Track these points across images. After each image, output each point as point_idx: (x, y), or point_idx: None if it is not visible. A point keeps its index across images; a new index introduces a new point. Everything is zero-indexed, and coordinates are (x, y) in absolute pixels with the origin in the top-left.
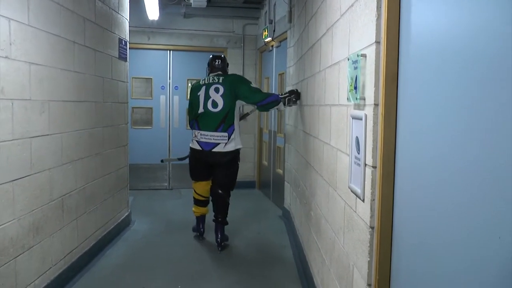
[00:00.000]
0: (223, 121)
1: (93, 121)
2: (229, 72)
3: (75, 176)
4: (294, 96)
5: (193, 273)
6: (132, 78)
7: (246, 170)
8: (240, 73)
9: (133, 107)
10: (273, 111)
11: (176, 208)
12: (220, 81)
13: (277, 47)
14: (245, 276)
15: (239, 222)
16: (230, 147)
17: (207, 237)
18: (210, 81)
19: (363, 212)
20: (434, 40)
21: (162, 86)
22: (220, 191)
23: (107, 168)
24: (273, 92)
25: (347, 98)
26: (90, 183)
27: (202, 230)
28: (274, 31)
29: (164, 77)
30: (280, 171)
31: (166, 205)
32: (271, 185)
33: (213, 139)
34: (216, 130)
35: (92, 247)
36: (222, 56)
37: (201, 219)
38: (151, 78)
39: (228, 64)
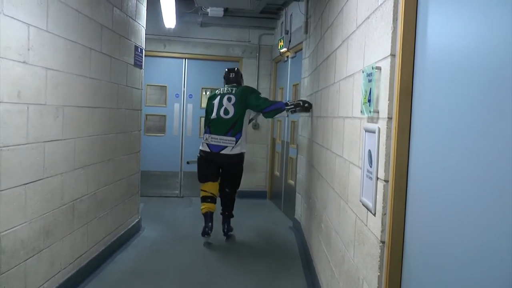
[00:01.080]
0: (233, 127)
1: (107, 127)
2: (244, 82)
3: (87, 181)
4: (300, 109)
5: (201, 281)
6: (147, 85)
7: (257, 180)
8: (255, 83)
9: (146, 114)
10: (286, 122)
11: (186, 216)
12: (233, 91)
13: (292, 57)
14: (253, 286)
15: (249, 231)
16: (237, 150)
17: (214, 240)
18: (225, 91)
19: (374, 226)
20: (450, 54)
21: (177, 94)
22: (227, 190)
23: (118, 174)
24: (285, 100)
25: (361, 111)
26: (101, 189)
27: (210, 225)
28: (290, 41)
29: (179, 85)
30: (291, 182)
31: (177, 213)
32: (282, 196)
33: (222, 142)
34: (225, 135)
35: (102, 252)
36: (236, 69)
37: (209, 215)
38: (166, 86)
39: (242, 75)
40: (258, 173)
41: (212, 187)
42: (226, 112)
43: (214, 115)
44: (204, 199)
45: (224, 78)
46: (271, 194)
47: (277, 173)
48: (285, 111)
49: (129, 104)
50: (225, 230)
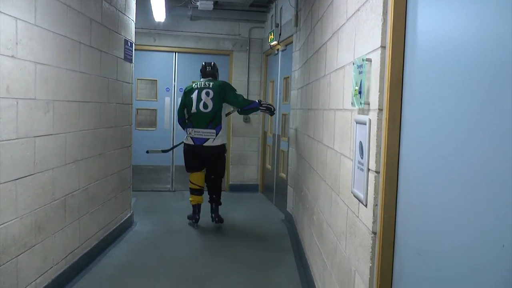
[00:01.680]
0: (212, 120)
1: (97, 121)
2: (232, 77)
3: (78, 176)
4: (269, 113)
5: (194, 275)
6: (137, 79)
7: (249, 173)
8: (245, 77)
9: (137, 109)
10: (277, 115)
11: (178, 210)
12: (211, 86)
13: (282, 50)
14: (247, 279)
15: (241, 225)
16: (218, 142)
17: (206, 234)
18: (202, 85)
19: (366, 218)
20: (440, 45)
21: (167, 88)
22: (213, 177)
23: (110, 168)
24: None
25: (352, 103)
26: (93, 184)
27: (197, 217)
28: (280, 34)
29: (169, 79)
30: (283, 175)
31: (169, 207)
32: (274, 189)
33: (204, 135)
34: (206, 128)
35: (94, 247)
36: (213, 63)
37: (197, 207)
38: (156, 80)
39: (218, 69)
40: (249, 167)
41: (198, 179)
42: (205, 106)
43: (194, 109)
44: (192, 192)
45: (201, 71)
46: (262, 187)
47: (268, 166)
48: (259, 110)
49: (119, 98)
50: (213, 216)
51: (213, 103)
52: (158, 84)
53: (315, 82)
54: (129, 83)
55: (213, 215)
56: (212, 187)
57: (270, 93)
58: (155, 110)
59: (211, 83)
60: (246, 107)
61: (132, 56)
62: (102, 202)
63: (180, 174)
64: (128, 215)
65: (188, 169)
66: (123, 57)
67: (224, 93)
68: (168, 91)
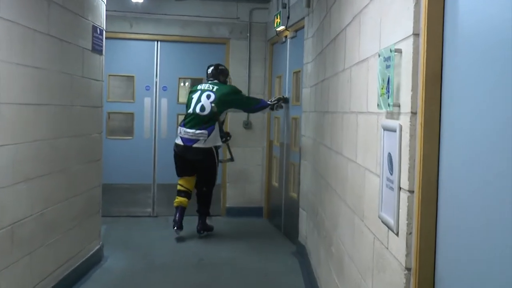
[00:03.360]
0: (207, 123)
1: (57, 129)
2: (231, 78)
3: (31, 198)
4: (282, 101)
5: None
6: (109, 75)
7: (251, 193)
8: (246, 71)
9: (109, 112)
10: (284, 119)
11: (161, 240)
12: (214, 89)
13: (291, 38)
14: None
15: (241, 260)
16: (209, 144)
17: (200, 271)
18: (205, 88)
19: (397, 249)
20: (491, 31)
21: (147, 86)
22: (204, 188)
23: (74, 188)
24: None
25: (378, 105)
26: (50, 208)
27: (177, 221)
28: (288, 17)
29: (150, 75)
30: (294, 195)
31: (149, 237)
32: (282, 213)
33: (195, 136)
34: (196, 129)
35: None
36: (216, 64)
37: (179, 210)
38: (133, 76)
39: (224, 71)
40: (251, 184)
41: (187, 182)
42: (202, 109)
43: (191, 110)
44: (178, 193)
45: (206, 72)
46: (268, 211)
47: (275, 183)
48: (267, 108)
49: (86, 100)
50: (198, 227)
51: (211, 107)
52: (135, 82)
53: (333, 78)
54: (98, 80)
55: (199, 223)
56: (199, 198)
57: (277, 91)
58: (132, 114)
59: (215, 87)
60: (254, 108)
61: (102, 46)
62: (62, 231)
63: (164, 195)
64: (97, 247)
65: (178, 173)
66: (90, 48)
67: (229, 99)
68: (148, 90)
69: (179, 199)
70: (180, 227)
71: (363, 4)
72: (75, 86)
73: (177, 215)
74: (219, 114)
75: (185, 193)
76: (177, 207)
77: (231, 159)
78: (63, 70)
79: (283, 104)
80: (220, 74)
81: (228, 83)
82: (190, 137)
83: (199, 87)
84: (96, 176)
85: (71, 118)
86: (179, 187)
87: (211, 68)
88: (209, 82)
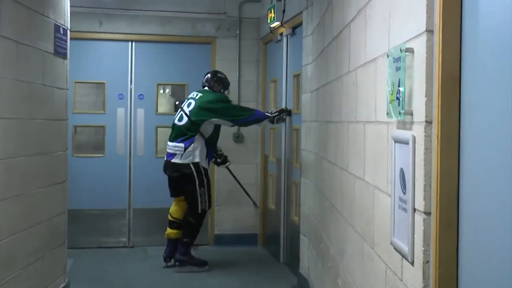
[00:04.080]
0: (185, 134)
1: (12, 146)
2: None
3: None
4: (285, 114)
5: None
6: (75, 83)
7: (244, 217)
8: (235, 74)
9: (76, 126)
10: (283, 130)
11: (139, 275)
12: (197, 96)
13: (288, 35)
14: None
15: None
16: (187, 159)
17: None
18: (191, 96)
19: (413, 281)
20: None
21: (120, 94)
22: (189, 217)
23: (34, 216)
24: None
25: (387, 113)
26: (6, 240)
27: (167, 251)
28: (284, 12)
29: (124, 82)
30: (295, 218)
31: (124, 272)
32: (281, 240)
33: (173, 149)
34: (175, 141)
35: None
36: (215, 71)
37: (168, 242)
38: (104, 83)
39: (221, 80)
40: (244, 207)
41: (174, 208)
42: (180, 118)
43: (174, 120)
44: (168, 223)
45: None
46: (264, 238)
47: (272, 206)
48: (265, 121)
49: (48, 112)
50: (169, 254)
51: (189, 115)
52: (106, 89)
53: (336, 81)
54: (62, 89)
55: (171, 251)
56: (184, 226)
57: (272, 98)
58: (103, 127)
59: (199, 94)
60: (246, 120)
61: (66, 48)
62: (21, 267)
63: (141, 221)
64: (62, 285)
65: (170, 194)
66: (52, 51)
67: (210, 105)
68: (121, 98)
69: (168, 231)
70: (166, 260)
71: None
72: (34, 95)
73: (166, 248)
74: (197, 125)
75: (175, 224)
76: (167, 240)
77: (254, 203)
78: (19, 78)
79: (285, 117)
80: (216, 83)
81: (230, 100)
82: (169, 151)
83: (189, 95)
84: (61, 201)
85: (30, 133)
86: (169, 217)
87: (208, 74)
88: (200, 90)
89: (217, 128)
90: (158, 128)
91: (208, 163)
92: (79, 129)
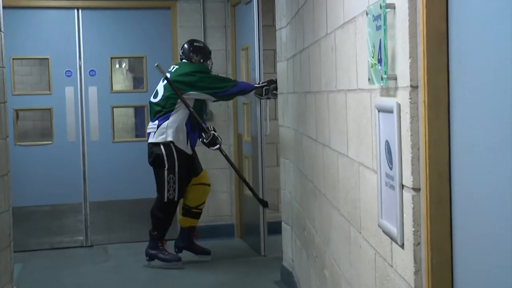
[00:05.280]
0: (160, 111)
1: None
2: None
3: None
4: (275, 87)
5: None
6: (13, 59)
7: (217, 206)
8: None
9: (17, 109)
10: (256, 104)
11: (99, 279)
12: (173, 69)
13: None
14: None
15: None
16: (159, 138)
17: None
18: (169, 69)
19: (404, 266)
20: None
21: (68, 71)
22: (154, 203)
23: None
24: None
25: (369, 79)
26: None
27: (177, 244)
28: None
29: (71, 56)
30: (276, 205)
31: (83, 275)
32: (261, 230)
33: (149, 129)
34: (152, 120)
35: None
36: (192, 40)
37: (181, 232)
38: (48, 59)
39: (198, 48)
40: (216, 195)
41: (185, 195)
42: (156, 94)
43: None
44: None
45: None
46: (241, 229)
47: (248, 192)
48: (252, 92)
49: None
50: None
51: (164, 90)
52: (51, 66)
53: (313, 46)
54: None
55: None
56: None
57: (243, 69)
58: (49, 110)
59: (175, 67)
60: (227, 91)
61: None
62: None
63: (99, 216)
64: None
65: None
66: None
67: (185, 78)
68: (69, 76)
69: (179, 218)
70: (176, 250)
71: None
72: None
73: (177, 237)
74: (173, 100)
75: (183, 210)
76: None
77: (262, 203)
78: None
79: (275, 92)
80: (193, 53)
81: (209, 71)
82: (148, 131)
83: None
84: (3, 197)
85: None
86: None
87: (185, 45)
88: (178, 63)
89: (198, 103)
90: (115, 109)
91: (190, 145)
92: (21, 114)
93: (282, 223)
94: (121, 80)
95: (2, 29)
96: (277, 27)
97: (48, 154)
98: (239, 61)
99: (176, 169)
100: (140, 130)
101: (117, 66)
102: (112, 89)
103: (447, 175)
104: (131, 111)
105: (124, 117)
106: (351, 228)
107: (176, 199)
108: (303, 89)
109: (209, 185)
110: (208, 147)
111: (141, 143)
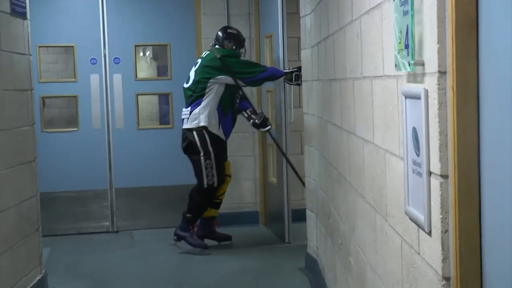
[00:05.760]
0: (191, 97)
1: None
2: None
3: None
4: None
5: None
6: (39, 47)
7: (241, 194)
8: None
9: (43, 97)
10: (282, 89)
11: (125, 264)
12: (204, 55)
13: None
14: None
15: (233, 284)
16: (192, 123)
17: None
18: (201, 55)
19: (431, 253)
20: None
21: (93, 59)
22: (194, 187)
23: None
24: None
25: (395, 65)
26: None
27: (198, 233)
28: None
29: (96, 44)
30: (299, 192)
31: (108, 260)
32: (285, 218)
33: (183, 115)
34: (186, 106)
35: None
36: (225, 27)
37: (201, 221)
38: (73, 47)
39: (230, 35)
40: (241, 182)
41: None
42: (188, 79)
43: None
44: None
45: None
46: (266, 216)
47: (273, 179)
48: (281, 79)
49: (8, 82)
50: (175, 230)
51: (195, 75)
52: (76, 54)
53: (338, 33)
54: (23, 54)
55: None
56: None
57: (267, 57)
58: (75, 97)
59: (207, 53)
60: (256, 77)
61: (25, 7)
62: None
63: (126, 202)
64: (38, 278)
65: None
66: (9, 10)
67: (214, 63)
68: (94, 64)
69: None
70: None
71: None
72: None
73: (198, 226)
74: (203, 85)
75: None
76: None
77: (302, 183)
78: None
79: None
80: (226, 40)
81: (239, 55)
82: (182, 117)
83: None
84: (30, 183)
85: None
86: None
87: (218, 32)
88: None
89: (230, 88)
90: (139, 96)
91: (225, 131)
92: (47, 101)
93: (307, 210)
94: (145, 68)
95: (28, 17)
96: (301, 14)
97: (74, 141)
98: (263, 49)
99: (212, 154)
100: (164, 118)
101: (141, 54)
102: (136, 76)
103: (476, 162)
104: (155, 98)
105: (148, 104)
106: (377, 215)
107: (215, 184)
108: (327, 76)
109: (230, 176)
110: (258, 129)
111: (165, 130)
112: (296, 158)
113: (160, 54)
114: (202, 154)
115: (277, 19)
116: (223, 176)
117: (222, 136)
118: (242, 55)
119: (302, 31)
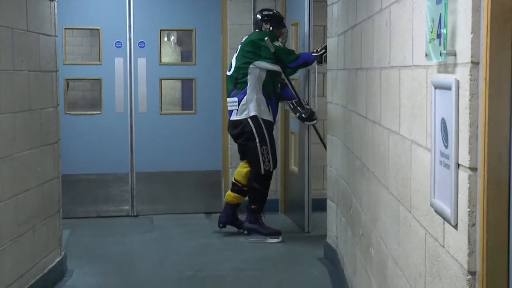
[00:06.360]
0: (235, 85)
1: None
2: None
3: None
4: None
5: None
6: (65, 29)
7: None
8: (249, 16)
9: (67, 79)
10: (304, 77)
11: (144, 248)
12: (244, 40)
13: None
14: None
15: (251, 272)
16: (243, 114)
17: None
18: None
19: (456, 247)
20: None
21: (118, 42)
22: (250, 176)
23: (22, 182)
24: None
25: (426, 54)
26: None
27: (221, 217)
28: None
29: (121, 27)
30: (320, 182)
31: (127, 244)
32: (305, 207)
33: (230, 106)
34: (230, 96)
35: None
36: (261, 9)
37: (226, 207)
38: (99, 29)
39: (266, 17)
40: None
41: (238, 171)
42: (230, 67)
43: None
44: (231, 186)
45: None
46: (286, 205)
47: (294, 168)
48: (314, 63)
49: (34, 63)
50: (244, 223)
51: (236, 62)
52: (101, 37)
53: (366, 21)
54: (50, 35)
55: (246, 219)
56: (249, 190)
57: (293, 44)
58: (99, 80)
59: (246, 37)
60: (294, 63)
61: None
62: (8, 240)
63: (146, 187)
64: (58, 259)
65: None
66: None
67: (250, 47)
68: (119, 47)
69: (227, 193)
70: (220, 225)
71: None
72: (17, 43)
73: (222, 214)
74: (244, 71)
75: (236, 187)
76: (225, 204)
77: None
78: None
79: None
80: (263, 22)
81: (279, 39)
82: (228, 108)
83: None
84: (53, 165)
85: (14, 87)
86: (232, 178)
87: (256, 15)
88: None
89: (271, 74)
90: (163, 81)
91: (273, 115)
92: (71, 83)
93: (327, 200)
94: (169, 53)
95: None
96: (328, 2)
97: (97, 124)
98: (288, 37)
99: (267, 139)
100: (187, 103)
101: (165, 39)
102: (160, 61)
103: (507, 156)
104: (178, 84)
105: (171, 89)
106: (400, 207)
107: (272, 169)
108: (354, 66)
109: None
110: (304, 122)
111: (187, 115)
112: (318, 147)
113: (184, 39)
114: (257, 140)
115: (303, 7)
116: (277, 160)
117: (272, 119)
118: (285, 35)
119: (328, 19)
